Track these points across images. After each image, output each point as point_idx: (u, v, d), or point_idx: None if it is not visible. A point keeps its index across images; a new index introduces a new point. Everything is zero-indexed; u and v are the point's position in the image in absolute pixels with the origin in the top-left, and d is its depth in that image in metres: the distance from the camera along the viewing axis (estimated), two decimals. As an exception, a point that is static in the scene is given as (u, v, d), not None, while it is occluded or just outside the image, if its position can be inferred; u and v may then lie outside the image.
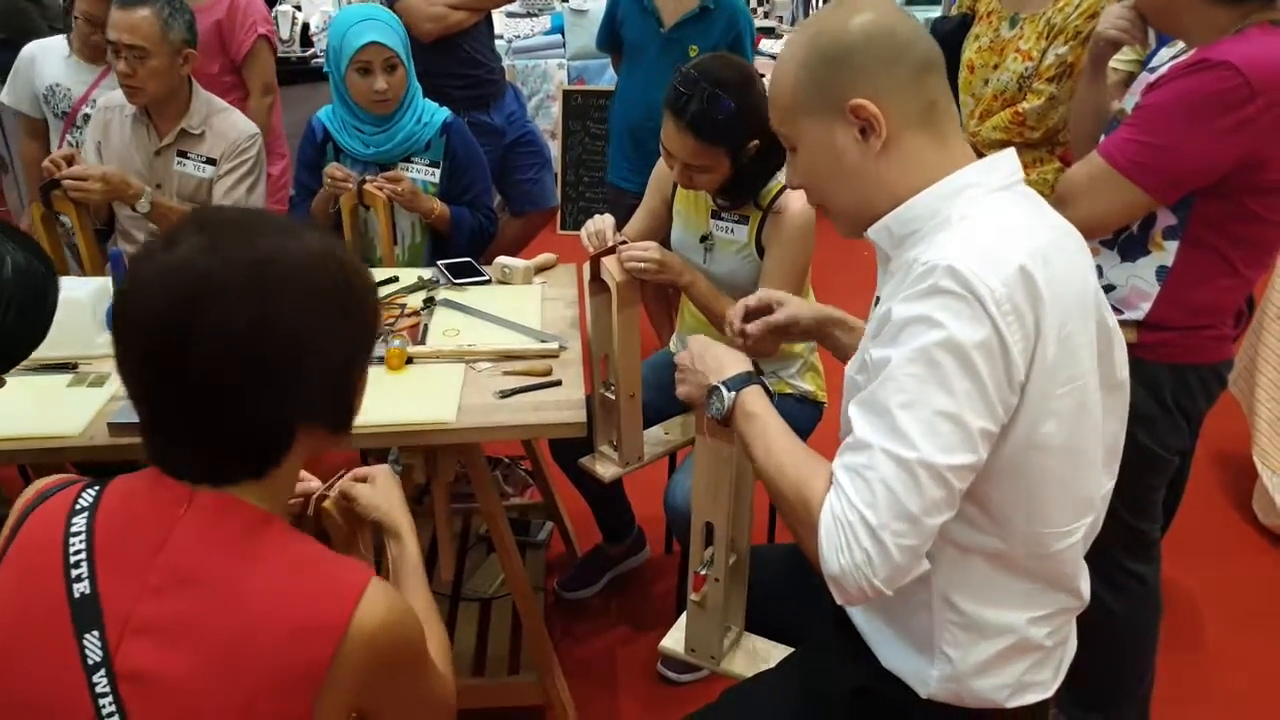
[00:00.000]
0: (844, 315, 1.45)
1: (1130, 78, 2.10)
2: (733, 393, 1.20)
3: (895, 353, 0.99)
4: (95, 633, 0.86)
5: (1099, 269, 1.69)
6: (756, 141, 1.89)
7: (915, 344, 0.98)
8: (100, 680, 0.85)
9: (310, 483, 1.22)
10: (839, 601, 1.02)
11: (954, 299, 0.97)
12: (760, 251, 2.01)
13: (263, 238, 0.90)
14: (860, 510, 0.97)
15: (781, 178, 1.97)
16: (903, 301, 1.01)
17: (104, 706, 0.85)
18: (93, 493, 0.93)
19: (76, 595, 0.87)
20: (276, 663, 0.86)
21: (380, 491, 1.20)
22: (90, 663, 0.85)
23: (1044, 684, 1.16)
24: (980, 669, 1.12)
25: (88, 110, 2.96)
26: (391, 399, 1.75)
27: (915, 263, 1.02)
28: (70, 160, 2.29)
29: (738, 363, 1.25)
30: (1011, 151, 1.13)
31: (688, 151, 1.88)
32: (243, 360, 0.87)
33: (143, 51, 2.28)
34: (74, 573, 0.87)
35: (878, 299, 1.16)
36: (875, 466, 0.97)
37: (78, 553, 0.88)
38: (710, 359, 1.26)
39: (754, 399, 1.19)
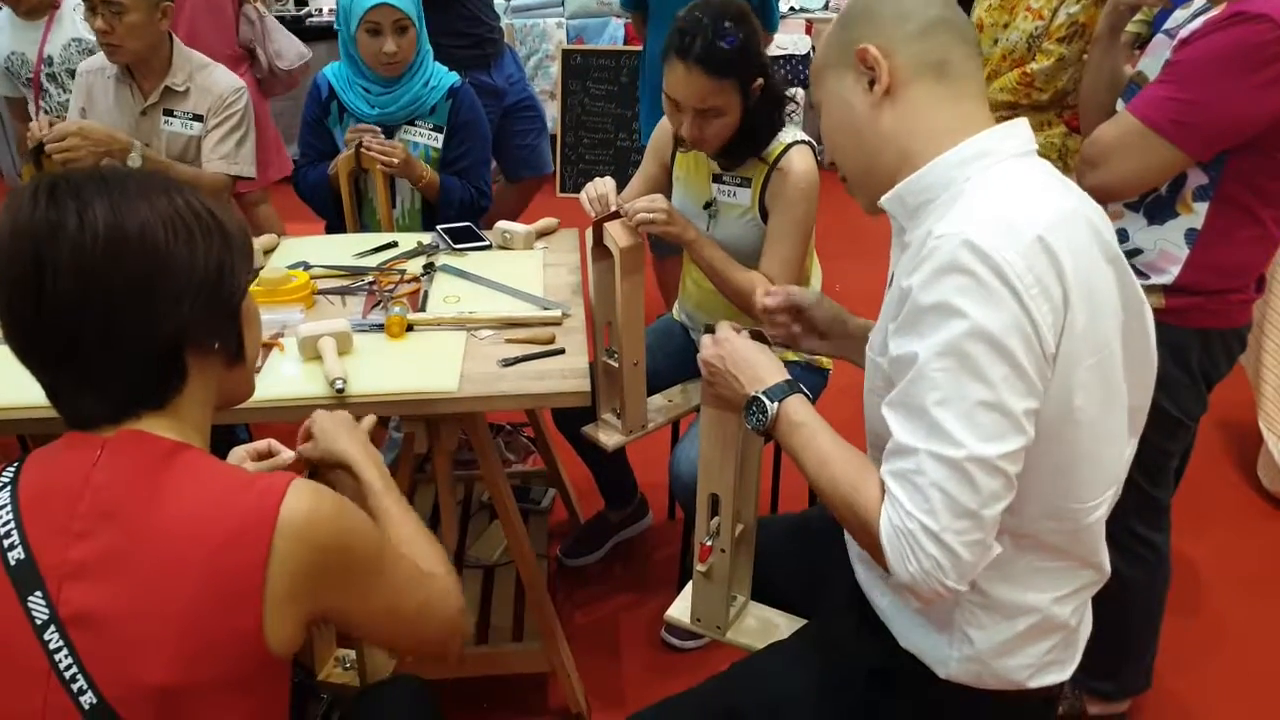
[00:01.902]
0: (858, 325, 1.39)
1: (1135, 39, 2.06)
2: (775, 403, 1.15)
3: (920, 347, 0.96)
4: (38, 593, 0.88)
5: (1124, 233, 1.66)
6: (761, 80, 1.86)
7: (940, 337, 0.95)
8: (52, 636, 0.88)
9: (283, 454, 1.22)
10: (914, 607, 1.01)
11: (971, 279, 0.93)
12: (764, 215, 1.98)
13: (113, 180, 0.92)
14: (919, 518, 0.95)
15: (784, 138, 1.93)
16: (920, 281, 0.97)
17: (60, 660, 0.87)
18: (11, 469, 0.96)
19: (12, 562, 0.89)
20: (211, 575, 0.88)
21: (328, 430, 1.20)
22: (39, 623, 0.88)
23: (1064, 663, 1.15)
24: (1002, 650, 1.11)
25: (49, 70, 2.91)
26: (392, 367, 1.73)
27: (929, 236, 0.99)
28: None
29: (775, 370, 1.19)
30: (1024, 121, 1.10)
31: (698, 93, 1.82)
32: (100, 285, 0.89)
33: (119, 6, 2.22)
34: (6, 543, 0.90)
35: (892, 277, 1.13)
36: (924, 471, 0.95)
37: (5, 523, 0.91)
38: (744, 364, 1.20)
39: (798, 408, 1.14)
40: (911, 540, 0.95)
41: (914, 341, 0.97)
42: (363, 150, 2.28)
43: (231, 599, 0.88)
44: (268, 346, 1.79)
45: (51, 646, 0.87)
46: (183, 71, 2.39)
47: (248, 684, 0.92)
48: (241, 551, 0.88)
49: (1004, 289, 0.93)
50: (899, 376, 1.00)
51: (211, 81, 2.41)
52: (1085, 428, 1.02)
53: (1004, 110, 2.50)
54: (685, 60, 1.81)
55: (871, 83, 1.08)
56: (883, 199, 1.10)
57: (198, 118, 2.40)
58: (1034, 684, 1.12)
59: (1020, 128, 1.08)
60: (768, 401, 1.15)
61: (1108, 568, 1.16)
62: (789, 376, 1.18)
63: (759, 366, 1.19)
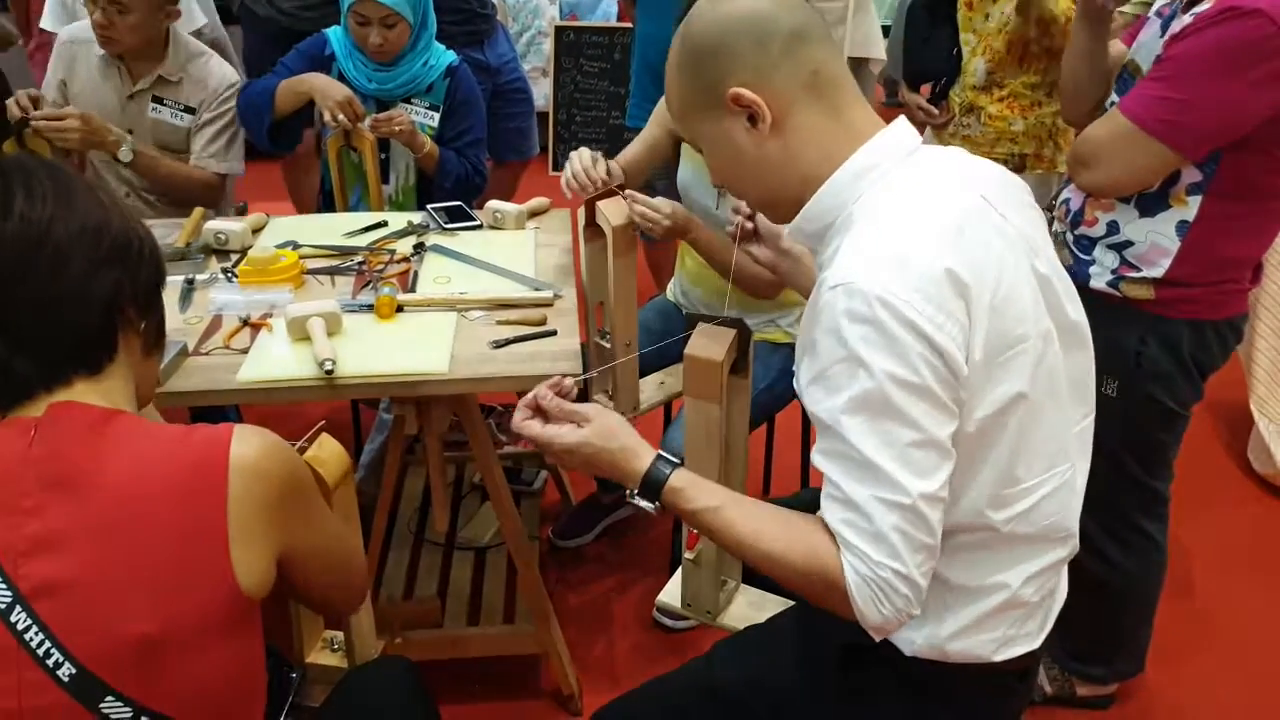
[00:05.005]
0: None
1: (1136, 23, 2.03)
2: (657, 503, 1.10)
3: (834, 403, 0.98)
4: None
5: (1114, 225, 1.65)
6: None
7: (855, 391, 0.96)
8: (19, 617, 0.88)
9: None
10: (876, 639, 1.03)
11: (872, 328, 0.95)
12: None
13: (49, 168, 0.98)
14: (890, 565, 0.97)
15: None
16: (821, 333, 0.98)
17: (31, 639, 0.87)
18: None
19: None
20: (174, 522, 0.90)
21: None
22: (1, 607, 0.87)
23: (1030, 635, 1.15)
24: (964, 631, 1.12)
25: None
26: (382, 348, 1.71)
27: (823, 286, 0.99)
28: (37, 102, 2.19)
29: (633, 458, 1.10)
30: (902, 119, 1.09)
31: None
32: (48, 235, 0.93)
33: (122, 6, 2.17)
34: None
35: None
36: (878, 518, 0.97)
37: None
38: (603, 467, 1.12)
39: (677, 496, 1.08)
40: (886, 586, 0.97)
41: (830, 396, 0.99)
42: (375, 119, 2.26)
43: (197, 542, 0.91)
44: (256, 327, 1.77)
45: (20, 627, 0.87)
46: (177, 61, 2.34)
47: (223, 628, 0.93)
48: (200, 495, 0.91)
49: (906, 331, 0.94)
50: (823, 429, 1.02)
51: (206, 73, 2.37)
52: (1014, 413, 1.03)
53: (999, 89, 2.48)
54: None
55: (752, 118, 1.06)
56: (786, 233, 1.13)
57: (189, 109, 2.35)
58: (1000, 658, 1.13)
59: (899, 130, 1.08)
60: (646, 503, 1.10)
61: (1077, 539, 1.16)
62: (645, 464, 1.09)
63: (614, 467, 1.11)
